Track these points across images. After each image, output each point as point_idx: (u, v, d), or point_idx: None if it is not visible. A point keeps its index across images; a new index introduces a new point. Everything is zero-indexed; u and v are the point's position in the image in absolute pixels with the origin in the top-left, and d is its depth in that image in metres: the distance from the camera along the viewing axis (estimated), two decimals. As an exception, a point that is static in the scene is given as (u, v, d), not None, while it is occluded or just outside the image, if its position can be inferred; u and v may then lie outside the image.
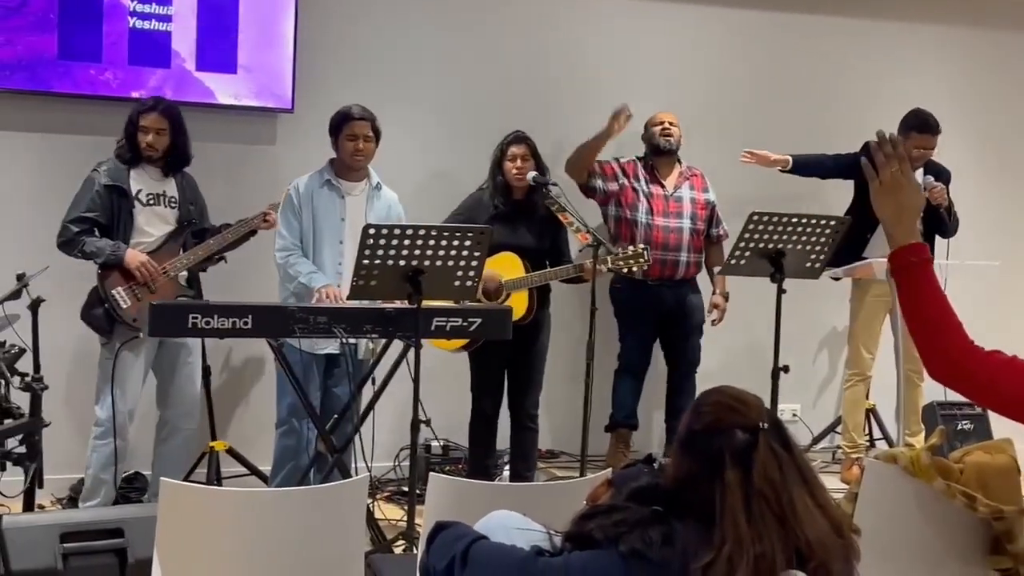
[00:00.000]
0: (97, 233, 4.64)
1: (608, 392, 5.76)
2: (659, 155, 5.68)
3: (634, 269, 4.96)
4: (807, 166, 5.85)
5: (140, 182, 4.71)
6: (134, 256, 4.63)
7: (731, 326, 5.99)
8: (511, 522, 2.28)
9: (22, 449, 4.00)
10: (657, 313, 5.67)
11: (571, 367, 5.49)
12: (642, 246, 4.99)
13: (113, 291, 4.60)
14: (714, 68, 6.35)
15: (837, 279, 5.75)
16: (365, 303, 4.33)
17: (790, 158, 5.80)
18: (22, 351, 4.06)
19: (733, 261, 4.88)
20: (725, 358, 6.04)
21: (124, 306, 4.61)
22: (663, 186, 5.65)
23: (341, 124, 4.85)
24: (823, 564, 2.09)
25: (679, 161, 5.74)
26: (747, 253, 4.82)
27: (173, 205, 4.80)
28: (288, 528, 2.78)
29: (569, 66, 6.09)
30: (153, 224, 4.75)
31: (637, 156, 5.76)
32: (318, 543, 2.79)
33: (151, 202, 4.74)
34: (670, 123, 5.69)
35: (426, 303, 4.20)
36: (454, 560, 2.19)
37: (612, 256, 4.85)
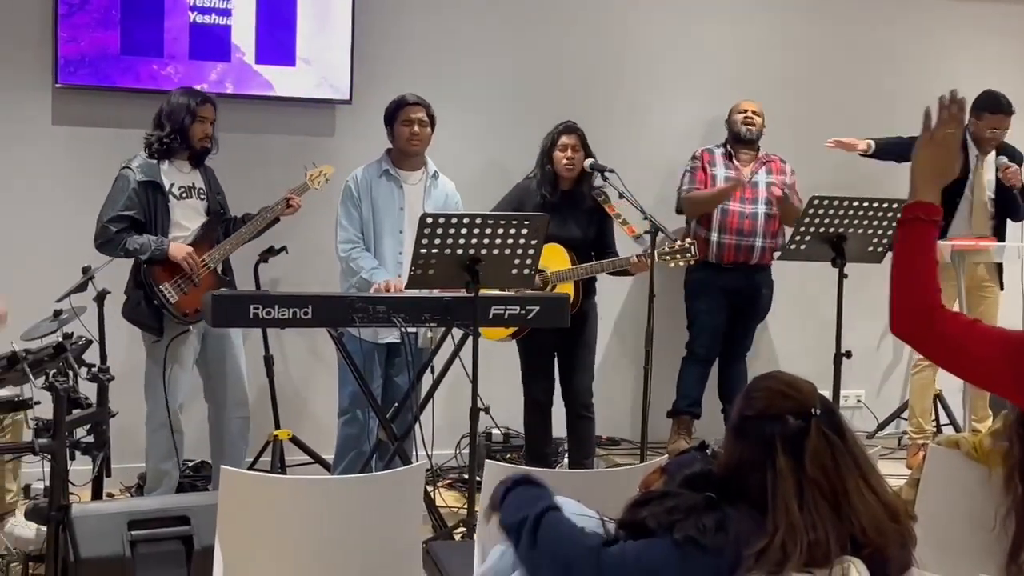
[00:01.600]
0: (135, 230, 4.65)
1: (669, 378, 5.73)
2: (739, 143, 5.71)
3: (680, 264, 4.93)
4: (887, 149, 5.78)
5: (171, 176, 4.72)
6: (179, 249, 4.63)
7: (794, 311, 5.95)
8: (566, 508, 2.28)
9: (90, 439, 4.07)
10: (729, 298, 5.67)
11: (632, 354, 5.48)
12: (689, 241, 4.94)
13: (161, 287, 4.62)
14: (773, 53, 6.27)
15: None
16: (423, 292, 4.34)
17: (872, 142, 5.74)
18: (89, 342, 4.12)
19: (793, 246, 4.83)
20: (788, 344, 5.98)
21: (173, 300, 4.63)
22: (740, 170, 5.65)
23: (396, 111, 4.87)
24: (879, 550, 2.07)
25: (758, 148, 5.73)
26: (808, 238, 4.77)
27: (203, 197, 4.82)
28: (345, 515, 2.81)
29: (624, 55, 6.06)
30: (188, 217, 4.76)
31: (716, 144, 5.76)
32: (375, 530, 2.82)
33: (184, 195, 4.75)
34: (753, 112, 5.71)
35: (484, 291, 4.21)
36: (525, 521, 2.19)
37: (659, 250, 4.81)
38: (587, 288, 5.11)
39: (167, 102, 4.74)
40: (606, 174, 4.96)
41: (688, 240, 4.97)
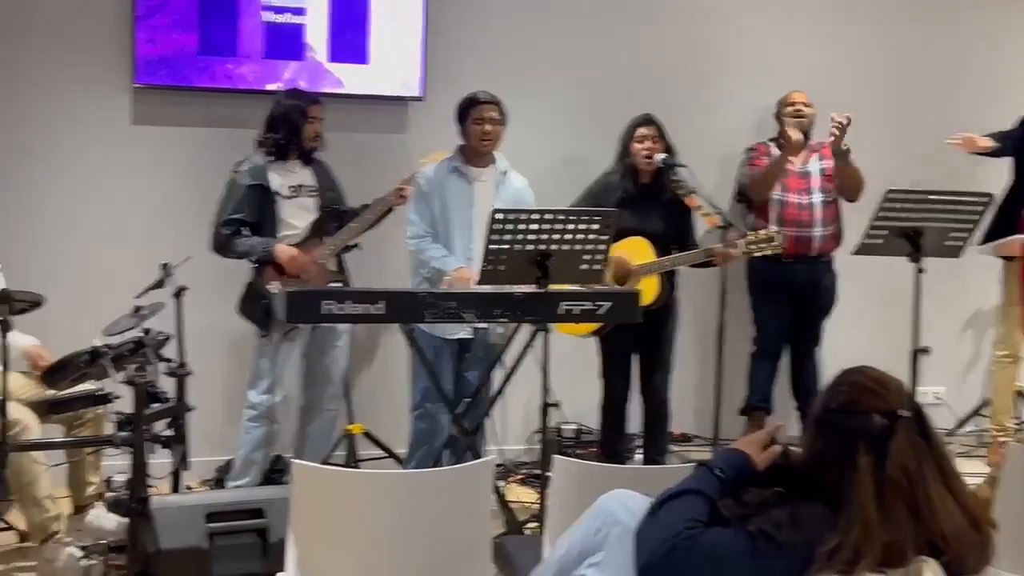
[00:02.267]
0: (248, 232, 4.77)
1: (738, 374, 5.69)
2: None
3: (767, 252, 4.88)
4: (1003, 144, 5.64)
5: (279, 176, 4.82)
6: (283, 250, 4.74)
7: (867, 306, 5.87)
8: (631, 501, 2.28)
9: (169, 432, 4.15)
10: (791, 291, 5.61)
11: (704, 350, 5.45)
12: (775, 229, 4.90)
13: (269, 286, 4.74)
14: (846, 48, 6.21)
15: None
16: (494, 287, 4.35)
17: (992, 141, 5.60)
18: (167, 338, 4.18)
19: (868, 240, 4.75)
20: (864, 339, 5.89)
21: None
22: (792, 163, 5.56)
23: (468, 109, 4.88)
24: (958, 558, 2.03)
25: (809, 138, 5.65)
26: (883, 232, 4.69)
27: (312, 194, 4.90)
28: (415, 509, 2.83)
29: (701, 47, 6.02)
30: (297, 216, 4.85)
31: (770, 138, 5.70)
32: (445, 524, 2.83)
33: (292, 195, 4.84)
34: (804, 104, 5.62)
35: (555, 287, 4.21)
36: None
37: (745, 240, 4.77)
38: (670, 282, 5.08)
39: (277, 104, 4.86)
40: (678, 169, 4.93)
41: (774, 228, 4.93)
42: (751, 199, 5.63)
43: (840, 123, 5.13)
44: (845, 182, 5.51)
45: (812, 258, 5.59)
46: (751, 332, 5.80)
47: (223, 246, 4.77)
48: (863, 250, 4.87)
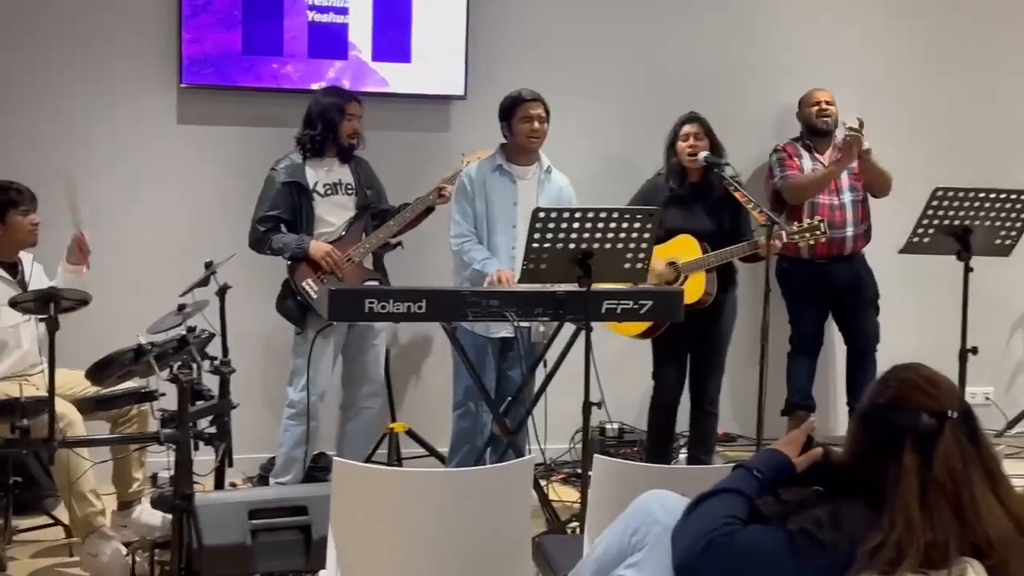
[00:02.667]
0: (284, 229, 4.80)
1: (779, 374, 5.65)
2: (816, 135, 5.58)
3: (811, 242, 4.85)
4: None
5: (316, 174, 4.85)
6: (318, 247, 4.77)
7: (917, 306, 5.80)
8: (669, 501, 2.26)
9: (213, 429, 4.18)
10: (827, 291, 5.58)
11: (748, 349, 5.40)
12: (818, 218, 4.86)
13: (303, 283, 4.76)
14: (891, 45, 6.14)
15: None
16: (536, 286, 4.34)
17: None
18: (211, 336, 4.21)
19: (916, 239, 4.70)
20: (913, 338, 5.82)
21: (315, 296, 4.75)
22: (823, 164, 5.53)
23: (513, 107, 4.87)
24: (1002, 562, 1.99)
25: (833, 137, 5.61)
26: (931, 230, 4.64)
27: (350, 192, 4.93)
28: (454, 507, 2.83)
29: (745, 47, 5.99)
30: (333, 213, 4.88)
31: (793, 138, 5.66)
32: (485, 522, 2.82)
33: (328, 192, 4.87)
34: (827, 102, 5.58)
35: (596, 286, 4.19)
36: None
37: (787, 231, 4.73)
38: (725, 280, 5.02)
39: (315, 102, 4.89)
40: (722, 167, 4.89)
41: (818, 218, 4.88)
42: (785, 202, 5.56)
43: (854, 128, 5.10)
44: (874, 181, 5.49)
45: (847, 257, 5.55)
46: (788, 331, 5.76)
47: (259, 242, 4.81)
48: (910, 248, 4.81)
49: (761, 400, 4.70)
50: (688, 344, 5.05)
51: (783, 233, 4.70)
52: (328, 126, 4.83)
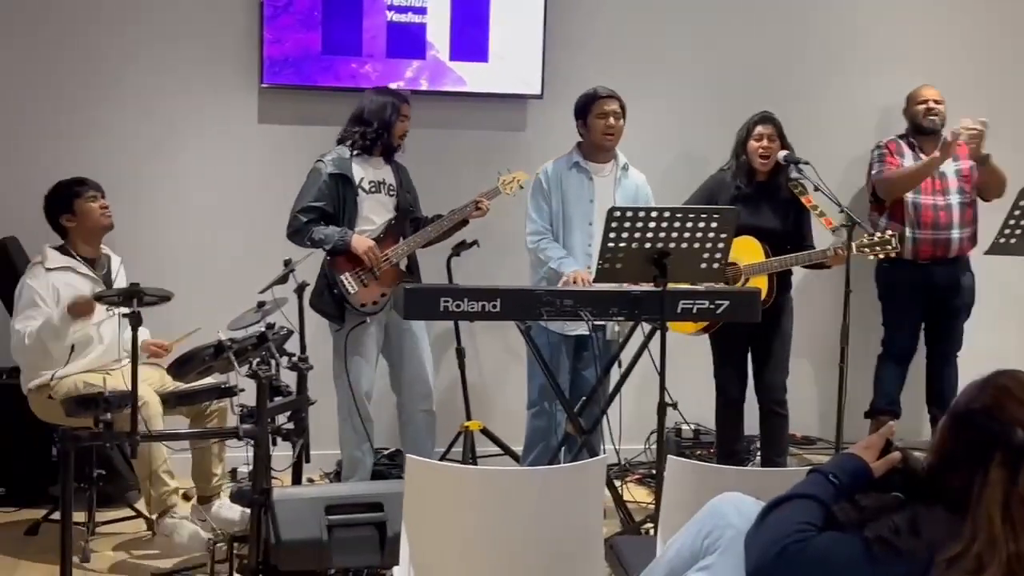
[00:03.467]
0: (324, 222, 4.80)
1: (865, 377, 5.55)
2: (922, 134, 5.46)
3: (880, 256, 4.76)
4: None
5: (362, 171, 4.84)
6: (361, 242, 4.76)
7: (1006, 310, 5.67)
8: (744, 505, 2.23)
9: (290, 425, 4.21)
10: (927, 294, 5.47)
11: (829, 351, 5.32)
12: (890, 232, 4.76)
13: (341, 276, 4.76)
14: (973, 37, 6.01)
15: None
16: (611, 286, 4.33)
17: None
18: (290, 333, 4.25)
19: (1002, 240, 4.59)
20: (996, 342, 5.71)
21: (352, 291, 4.75)
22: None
23: (589, 104, 4.86)
24: None
25: (941, 135, 5.48)
26: (1018, 231, 4.52)
27: (392, 193, 4.92)
28: (526, 506, 2.82)
29: (822, 44, 5.91)
30: (376, 212, 4.87)
31: (898, 135, 5.55)
32: (558, 521, 2.82)
33: (373, 190, 4.86)
34: (935, 101, 5.46)
35: (672, 285, 4.17)
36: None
37: (857, 242, 4.64)
38: (782, 282, 4.98)
39: (369, 100, 4.89)
40: (800, 166, 4.83)
41: (889, 232, 4.79)
42: (884, 200, 5.47)
43: (976, 130, 4.98)
44: (989, 186, 5.37)
45: (950, 260, 5.43)
46: (878, 334, 5.65)
47: (298, 232, 4.77)
48: (996, 249, 4.70)
49: (841, 403, 4.62)
50: (746, 341, 5.00)
51: (853, 246, 4.60)
52: (383, 124, 4.83)
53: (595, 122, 4.85)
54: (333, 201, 4.79)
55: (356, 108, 4.91)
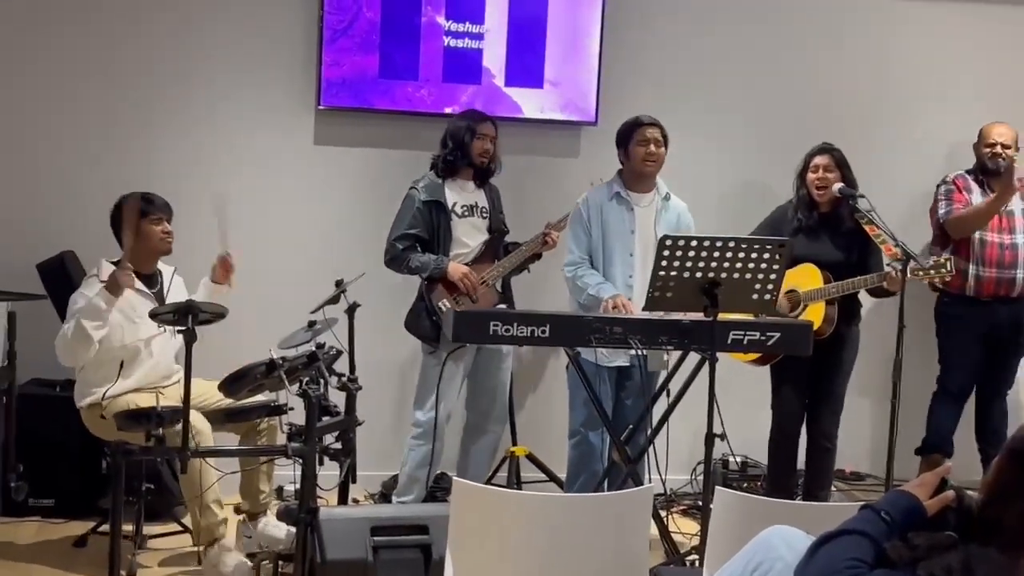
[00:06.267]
0: (419, 248, 4.86)
1: (918, 413, 5.48)
2: (988, 174, 5.39)
3: (936, 282, 4.70)
4: None
5: (455, 195, 4.90)
6: (456, 268, 4.82)
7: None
8: (793, 538, 2.21)
9: (338, 445, 4.24)
10: (988, 332, 5.38)
11: (881, 386, 5.27)
12: (945, 256, 4.71)
13: (439, 303, 4.82)
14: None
15: None
16: (661, 314, 4.31)
17: None
18: (339, 353, 4.28)
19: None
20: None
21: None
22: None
23: (631, 132, 4.87)
24: None
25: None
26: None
27: (485, 215, 4.97)
28: (572, 534, 2.81)
29: (883, 74, 5.88)
30: (470, 235, 4.93)
31: (967, 170, 5.49)
32: (601, 550, 2.81)
33: (465, 214, 4.92)
34: (1003, 145, 5.36)
35: (723, 316, 4.14)
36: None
37: (912, 266, 4.59)
38: (847, 311, 4.91)
39: (450, 123, 4.99)
40: (856, 198, 4.80)
41: (945, 256, 4.74)
42: (950, 236, 5.41)
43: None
44: None
45: (1013, 299, 5.36)
46: (933, 370, 5.58)
47: (396, 260, 4.86)
48: None
49: (892, 440, 4.57)
50: (806, 374, 4.94)
51: (908, 269, 4.56)
52: (459, 145, 4.89)
53: (636, 149, 4.85)
54: (427, 227, 4.85)
55: (443, 133, 4.99)
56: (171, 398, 4.18)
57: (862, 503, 2.24)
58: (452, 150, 4.90)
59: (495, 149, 4.96)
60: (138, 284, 4.46)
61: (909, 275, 4.54)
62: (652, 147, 4.82)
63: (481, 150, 4.92)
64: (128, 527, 4.16)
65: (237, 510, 4.59)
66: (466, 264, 4.87)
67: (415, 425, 4.93)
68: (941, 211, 5.41)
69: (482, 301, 4.83)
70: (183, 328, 3.85)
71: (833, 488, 5.32)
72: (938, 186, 5.50)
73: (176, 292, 4.58)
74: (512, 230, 5.08)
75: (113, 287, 4.21)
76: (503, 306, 4.88)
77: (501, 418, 5.08)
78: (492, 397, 5.02)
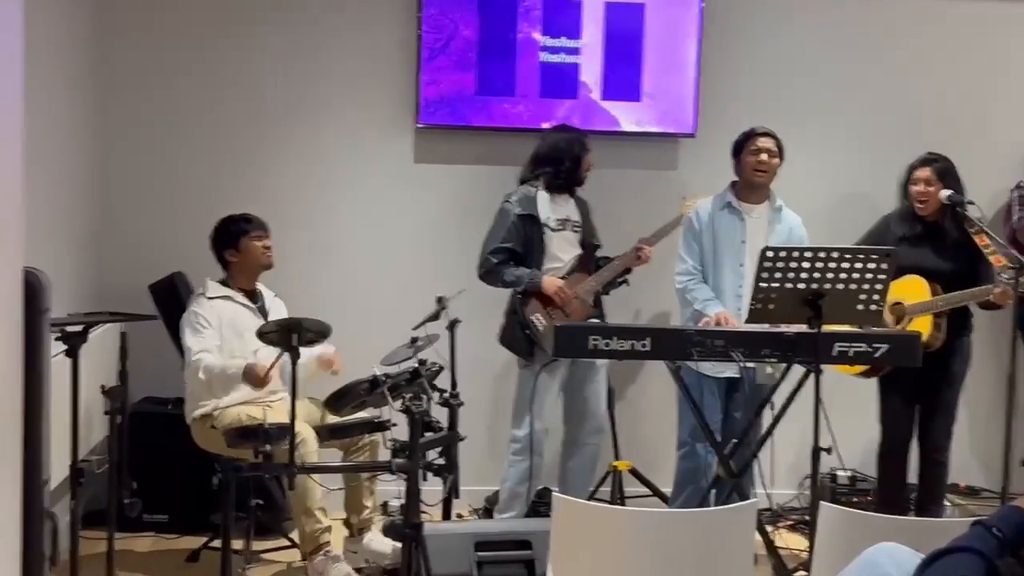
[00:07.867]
0: (513, 262, 4.88)
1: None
2: None
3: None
4: None
5: (548, 209, 4.91)
6: (551, 282, 4.83)
7: None
8: (900, 555, 2.15)
9: (441, 461, 4.27)
10: None
11: (997, 398, 5.13)
12: None
13: (533, 317, 4.83)
14: None
15: None
16: (764, 326, 4.25)
17: None
18: (441, 368, 4.32)
19: None
20: None
21: (542, 331, 4.81)
22: None
23: (745, 142, 4.84)
24: None
25: None
26: None
27: (577, 229, 4.97)
28: (675, 549, 2.79)
29: (991, 84, 5.71)
30: (563, 249, 4.93)
31: None
32: (706, 566, 2.78)
33: (559, 227, 4.93)
34: None
35: (828, 327, 4.07)
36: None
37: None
38: (958, 324, 4.78)
39: (555, 139, 4.99)
40: (966, 206, 4.67)
41: None
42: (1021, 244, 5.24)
43: None
44: None
45: None
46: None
47: (491, 274, 4.87)
48: None
49: (1007, 452, 4.43)
50: (916, 387, 4.83)
51: (1018, 283, 4.41)
52: (574, 160, 4.91)
53: (748, 159, 4.82)
54: (521, 241, 4.87)
55: (538, 148, 5.00)
56: (278, 412, 4.25)
57: (974, 519, 2.18)
58: (568, 166, 4.90)
59: None
60: (241, 298, 4.60)
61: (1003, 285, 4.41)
62: (764, 156, 4.79)
63: (588, 165, 4.94)
64: (238, 542, 4.24)
65: (344, 524, 4.64)
66: (560, 278, 4.87)
67: (513, 440, 4.94)
68: (1015, 217, 5.26)
69: (575, 315, 4.82)
70: (290, 347, 3.91)
71: (947, 503, 5.19)
72: (1012, 191, 5.34)
73: (276, 313, 4.67)
74: (608, 244, 5.06)
75: (250, 378, 4.36)
76: (595, 320, 4.87)
77: (598, 429, 5.05)
78: (587, 408, 5.00)
